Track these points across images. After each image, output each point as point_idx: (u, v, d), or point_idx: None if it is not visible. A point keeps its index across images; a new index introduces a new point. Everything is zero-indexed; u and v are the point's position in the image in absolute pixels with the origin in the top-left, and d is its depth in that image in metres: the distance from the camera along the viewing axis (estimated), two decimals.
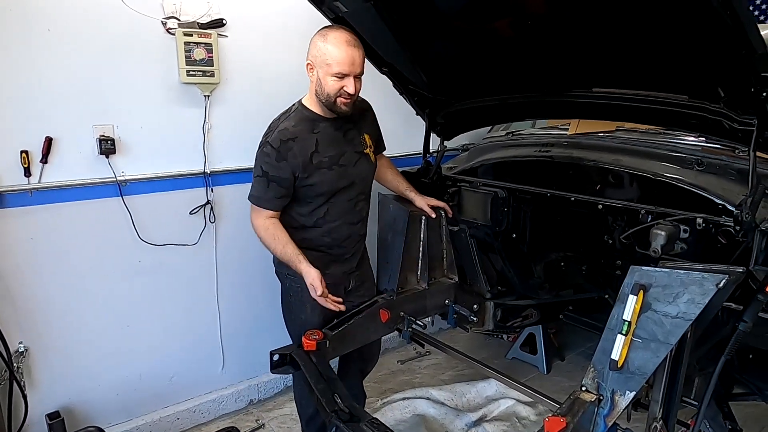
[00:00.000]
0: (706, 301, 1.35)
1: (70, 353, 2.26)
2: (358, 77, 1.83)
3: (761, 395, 1.98)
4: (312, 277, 1.88)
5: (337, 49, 1.77)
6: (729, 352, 1.52)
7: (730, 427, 1.98)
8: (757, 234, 1.52)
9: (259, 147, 1.92)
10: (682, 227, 1.79)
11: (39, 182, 2.08)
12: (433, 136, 2.58)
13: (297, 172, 1.87)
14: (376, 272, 2.41)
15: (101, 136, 2.17)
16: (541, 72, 1.99)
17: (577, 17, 1.66)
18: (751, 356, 1.85)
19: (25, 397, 2.11)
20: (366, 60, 2.19)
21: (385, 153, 2.30)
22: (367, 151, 2.07)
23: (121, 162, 2.25)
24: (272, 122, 1.96)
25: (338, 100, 1.83)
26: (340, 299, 1.98)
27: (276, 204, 1.92)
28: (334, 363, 2.12)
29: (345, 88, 1.80)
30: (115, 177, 2.23)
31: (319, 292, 1.88)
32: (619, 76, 1.80)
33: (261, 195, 1.91)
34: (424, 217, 2.31)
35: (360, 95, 2.11)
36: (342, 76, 1.79)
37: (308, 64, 1.86)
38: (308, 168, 1.88)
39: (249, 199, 1.95)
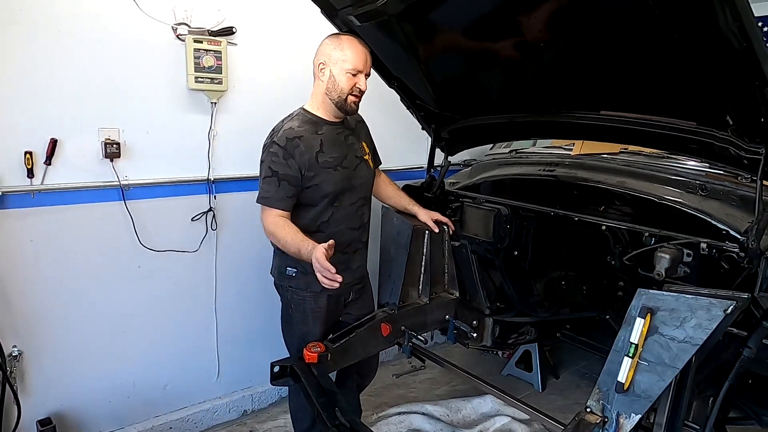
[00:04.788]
0: (714, 327, 1.36)
1: (64, 358, 2.22)
2: (367, 76, 1.95)
3: (758, 420, 1.99)
4: (318, 253, 1.71)
5: (353, 48, 1.89)
6: (733, 377, 1.53)
7: None
8: (763, 261, 1.54)
9: (265, 149, 1.93)
10: (685, 251, 1.81)
11: (42, 184, 2.06)
12: (436, 150, 2.60)
13: (303, 171, 1.88)
14: (377, 285, 2.40)
15: (107, 139, 2.16)
16: (549, 92, 2.02)
17: (589, 41, 1.69)
18: (750, 381, 1.86)
19: (18, 402, 2.07)
20: (374, 73, 2.26)
21: (386, 166, 2.30)
22: (366, 157, 2.10)
23: (125, 166, 2.23)
24: (275, 126, 1.98)
25: (349, 98, 1.91)
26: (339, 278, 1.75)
27: (287, 203, 1.90)
28: (332, 377, 2.10)
29: (357, 85, 1.90)
30: (119, 181, 2.21)
31: (331, 272, 1.68)
32: (628, 100, 1.83)
33: (272, 195, 1.88)
34: (427, 232, 2.31)
35: (364, 108, 2.14)
36: (356, 73, 1.89)
37: (321, 63, 1.92)
38: (314, 167, 1.90)
39: (258, 201, 1.91)
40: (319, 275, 1.72)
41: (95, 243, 2.22)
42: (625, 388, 1.45)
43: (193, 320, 2.56)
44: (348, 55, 1.87)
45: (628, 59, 1.66)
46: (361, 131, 2.14)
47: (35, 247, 2.09)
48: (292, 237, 1.84)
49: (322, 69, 1.91)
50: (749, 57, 1.24)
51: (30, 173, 2.02)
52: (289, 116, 1.98)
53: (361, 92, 1.92)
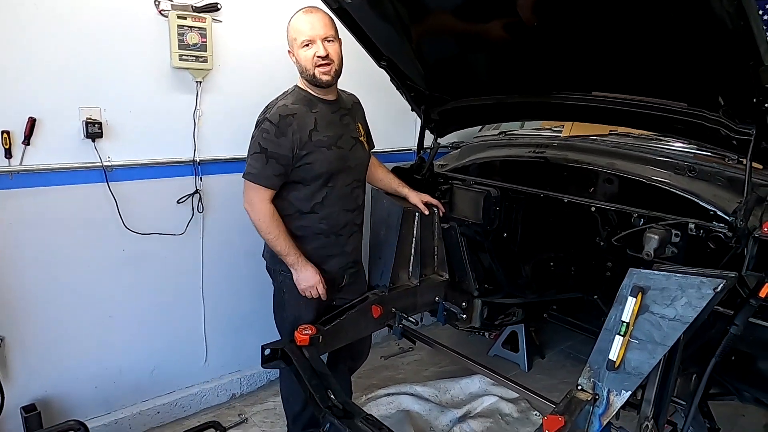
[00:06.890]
0: (704, 305, 1.38)
1: (48, 344, 2.17)
2: (327, 40, 1.83)
3: (739, 396, 2.05)
4: (309, 277, 1.93)
5: (297, 21, 1.84)
6: (720, 354, 1.56)
7: (708, 425, 2.05)
8: (751, 241, 1.57)
9: (257, 125, 1.89)
10: (673, 231, 1.84)
11: (20, 164, 1.99)
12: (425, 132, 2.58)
13: (295, 149, 1.84)
14: (367, 268, 2.40)
15: (88, 119, 2.08)
16: (541, 73, 2.00)
17: (582, 21, 1.67)
18: (733, 358, 1.91)
19: (0, 388, 2.02)
20: (365, 53, 2.22)
21: (374, 148, 2.28)
22: (362, 138, 2.08)
23: (107, 147, 2.16)
24: (270, 102, 1.94)
25: (316, 71, 1.84)
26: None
27: (274, 182, 1.87)
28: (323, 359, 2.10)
29: (316, 54, 1.81)
30: (101, 162, 2.14)
31: (323, 296, 1.96)
32: (621, 81, 1.83)
33: (259, 172, 1.85)
34: (417, 214, 2.31)
35: (350, 91, 2.11)
36: (308, 43, 1.82)
37: (288, 51, 1.91)
38: (307, 145, 1.86)
39: (245, 176, 1.88)
40: (304, 285, 1.93)
41: (78, 226, 2.16)
42: (615, 366, 1.47)
43: (180, 304, 2.52)
44: (296, 31, 1.83)
45: (621, 39, 1.65)
46: (357, 112, 2.10)
47: (15, 230, 2.02)
48: (285, 238, 1.89)
49: (292, 56, 1.90)
50: (745, 36, 1.24)
51: (8, 153, 1.95)
52: (283, 93, 1.95)
53: (324, 58, 1.81)
